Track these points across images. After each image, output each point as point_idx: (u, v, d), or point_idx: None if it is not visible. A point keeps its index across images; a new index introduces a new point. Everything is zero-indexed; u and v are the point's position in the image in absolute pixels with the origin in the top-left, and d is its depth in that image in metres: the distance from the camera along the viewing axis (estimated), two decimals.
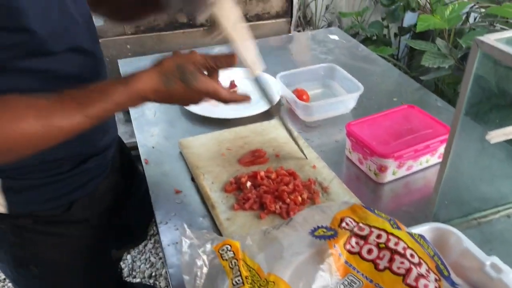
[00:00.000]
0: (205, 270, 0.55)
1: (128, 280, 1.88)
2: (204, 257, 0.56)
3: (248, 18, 1.84)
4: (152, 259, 1.97)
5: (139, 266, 1.94)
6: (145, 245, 2.03)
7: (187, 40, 1.79)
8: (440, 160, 1.04)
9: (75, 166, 0.90)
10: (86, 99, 0.70)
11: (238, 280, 0.51)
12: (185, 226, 0.60)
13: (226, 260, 0.55)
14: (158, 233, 0.92)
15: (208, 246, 0.57)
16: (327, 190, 0.94)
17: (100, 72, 0.89)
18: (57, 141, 0.69)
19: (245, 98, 0.86)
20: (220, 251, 0.56)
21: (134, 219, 1.28)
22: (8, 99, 0.64)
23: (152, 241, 2.04)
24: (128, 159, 1.20)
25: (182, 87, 0.77)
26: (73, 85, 0.71)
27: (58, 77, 0.77)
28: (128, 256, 1.99)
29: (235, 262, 0.54)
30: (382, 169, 0.99)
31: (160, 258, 1.97)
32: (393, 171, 1.00)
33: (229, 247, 0.56)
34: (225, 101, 0.83)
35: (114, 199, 1.09)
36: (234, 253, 0.55)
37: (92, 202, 0.98)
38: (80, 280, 1.09)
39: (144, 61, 1.58)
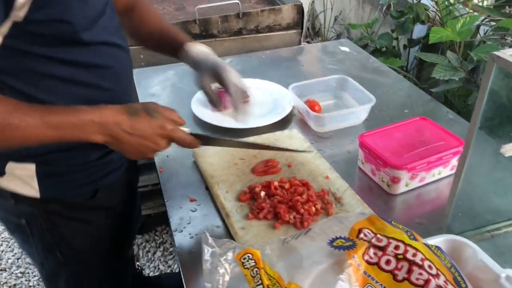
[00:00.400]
0: (227, 278, 0.56)
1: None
2: (226, 265, 0.57)
3: (259, 30, 1.86)
4: (161, 266, 1.97)
5: (148, 274, 1.95)
6: (154, 253, 2.04)
7: None
8: (453, 172, 1.06)
9: (101, 156, 0.96)
10: (55, 111, 0.76)
11: None
12: (207, 234, 0.62)
13: (248, 268, 0.56)
14: (172, 241, 0.93)
15: (230, 255, 0.58)
16: (341, 201, 0.95)
17: (128, 65, 0.97)
18: (13, 141, 0.73)
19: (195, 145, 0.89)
20: (242, 260, 0.57)
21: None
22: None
23: (162, 249, 2.05)
24: None
25: (146, 118, 0.80)
26: (103, 76, 0.82)
27: (91, 67, 0.85)
28: (137, 264, 1.99)
29: (256, 271, 0.55)
30: (395, 180, 0.99)
31: (169, 266, 1.98)
32: (406, 183, 1.01)
33: (250, 255, 0.57)
34: (184, 141, 0.86)
35: (130, 190, 1.15)
36: (255, 262, 0.56)
37: (114, 191, 1.05)
38: (102, 270, 1.14)
39: (157, 71, 1.61)
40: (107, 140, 0.79)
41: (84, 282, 1.12)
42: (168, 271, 1.96)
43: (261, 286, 0.53)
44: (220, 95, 1.16)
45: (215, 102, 1.09)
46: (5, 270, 1.97)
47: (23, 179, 0.91)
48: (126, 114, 0.79)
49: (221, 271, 0.56)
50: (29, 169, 0.89)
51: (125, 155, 0.84)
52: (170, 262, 1.99)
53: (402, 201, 1.02)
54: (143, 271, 1.94)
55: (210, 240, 0.60)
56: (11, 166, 0.89)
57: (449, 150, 1.02)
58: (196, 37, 1.81)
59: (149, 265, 1.99)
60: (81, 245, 1.05)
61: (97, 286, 1.17)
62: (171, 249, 2.04)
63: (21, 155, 0.88)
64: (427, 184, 1.05)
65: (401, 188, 1.01)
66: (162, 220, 2.07)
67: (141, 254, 2.02)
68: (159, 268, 1.97)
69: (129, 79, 1.01)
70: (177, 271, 1.94)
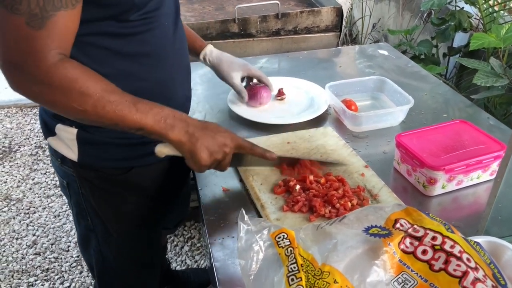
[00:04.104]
0: (261, 255, 0.57)
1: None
2: (261, 243, 0.57)
3: (297, 31, 1.87)
4: (188, 261, 2.00)
5: (175, 267, 1.97)
6: (182, 247, 2.06)
7: (237, 50, 1.84)
8: (492, 177, 1.03)
9: (141, 136, 0.97)
10: (144, 100, 0.82)
11: (294, 267, 0.53)
12: (243, 211, 0.62)
13: (282, 247, 0.56)
14: (204, 228, 0.95)
15: (265, 233, 0.59)
16: (377, 198, 0.94)
17: (182, 51, 1.03)
18: (107, 118, 0.79)
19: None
20: (277, 239, 0.57)
21: (178, 194, 1.33)
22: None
23: (189, 244, 2.07)
24: None
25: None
26: (153, 53, 0.87)
27: (136, 41, 0.89)
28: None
29: (291, 250, 0.55)
30: (431, 181, 0.98)
31: (196, 261, 2.00)
32: (442, 185, 0.99)
33: (285, 235, 0.58)
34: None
35: (172, 178, 1.16)
36: (290, 242, 0.57)
37: (150, 174, 1.07)
38: (128, 249, 1.17)
39: (194, 68, 1.64)
40: (182, 139, 0.84)
41: (110, 255, 1.16)
42: (195, 266, 1.98)
43: (295, 265, 0.53)
44: (256, 91, 1.25)
45: (243, 94, 1.28)
46: (39, 254, 2.04)
47: (66, 142, 0.97)
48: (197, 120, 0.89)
49: (256, 248, 0.57)
50: (72, 132, 0.95)
51: (195, 159, 0.87)
52: (197, 258, 2.01)
53: (437, 203, 1.00)
54: (170, 265, 1.96)
55: (246, 218, 0.61)
56: (59, 128, 0.96)
57: (490, 154, 0.99)
58: (234, 36, 1.83)
59: (176, 259, 2.01)
60: (109, 218, 1.08)
61: (122, 263, 1.20)
62: (198, 245, 2.06)
63: (67, 118, 0.93)
64: (465, 188, 1.02)
65: (437, 190, 0.99)
66: (191, 215, 2.09)
67: (169, 248, 2.05)
68: (186, 263, 2.00)
69: (176, 64, 1.02)
70: (203, 266, 1.96)
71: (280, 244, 0.56)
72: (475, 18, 2.07)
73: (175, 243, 2.08)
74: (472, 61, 1.54)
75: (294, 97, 1.38)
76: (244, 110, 1.29)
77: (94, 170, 1.01)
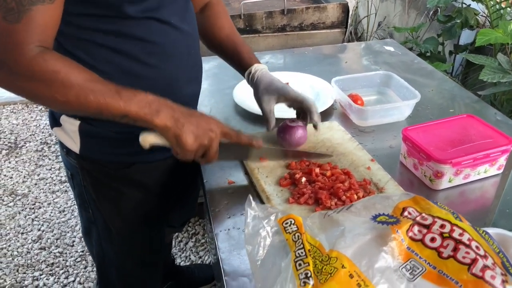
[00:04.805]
0: (268, 241, 0.57)
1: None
2: (268, 228, 0.57)
3: (303, 27, 1.87)
4: (192, 257, 2.00)
5: (179, 263, 1.98)
6: (186, 243, 2.06)
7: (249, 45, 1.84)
8: (500, 171, 1.02)
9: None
10: (127, 88, 0.81)
11: (301, 253, 0.52)
12: (251, 197, 0.62)
13: (290, 233, 0.56)
14: (209, 220, 0.95)
15: (272, 219, 0.58)
16: (383, 191, 0.93)
17: (182, 48, 0.97)
18: (90, 106, 0.78)
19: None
20: (284, 224, 0.57)
21: (185, 194, 1.33)
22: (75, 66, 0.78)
23: (194, 240, 2.07)
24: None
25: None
26: (147, 50, 0.85)
27: (134, 39, 0.88)
28: None
29: (298, 236, 0.55)
30: (438, 175, 0.97)
31: (200, 257, 2.00)
32: (449, 178, 0.98)
33: (292, 221, 0.57)
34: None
35: (176, 176, 1.15)
36: (297, 227, 0.56)
37: (152, 170, 1.07)
38: (128, 244, 1.16)
39: (206, 62, 1.65)
40: (167, 123, 0.82)
41: (111, 249, 1.16)
42: (199, 262, 1.98)
43: (302, 250, 0.53)
44: (291, 130, 1.06)
45: (270, 124, 1.06)
46: (44, 249, 2.05)
47: (69, 133, 0.98)
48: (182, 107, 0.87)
49: (263, 233, 0.57)
50: (74, 124, 0.96)
51: (181, 144, 0.85)
52: (201, 253, 2.01)
53: (444, 197, 0.99)
54: (174, 260, 1.96)
55: (253, 204, 0.61)
56: (63, 119, 0.97)
57: (498, 148, 0.99)
58: (240, 32, 1.83)
59: (180, 255, 2.01)
60: (108, 212, 1.08)
61: (123, 258, 1.19)
62: (203, 241, 2.07)
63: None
64: (472, 182, 1.02)
65: (444, 183, 0.99)
66: (196, 212, 2.09)
67: (173, 244, 2.05)
68: (190, 259, 2.00)
69: (182, 62, 1.00)
70: (208, 262, 1.96)
71: (288, 229, 0.56)
72: (481, 15, 2.06)
73: (179, 239, 2.09)
74: (480, 57, 1.54)
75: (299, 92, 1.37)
76: (249, 105, 1.29)
77: (95, 163, 1.01)
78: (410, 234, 0.56)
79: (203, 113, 0.91)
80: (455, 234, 0.55)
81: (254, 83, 1.09)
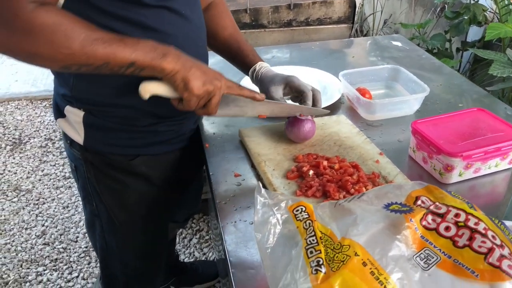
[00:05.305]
0: (278, 228, 0.55)
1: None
2: (278, 215, 0.56)
3: (309, 22, 1.86)
4: (196, 253, 1.99)
5: (183, 259, 1.96)
6: (190, 239, 2.05)
7: (249, 41, 1.81)
8: (511, 166, 1.00)
9: (147, 124, 0.98)
10: (130, 37, 0.79)
11: (313, 240, 0.51)
12: (260, 184, 0.61)
13: (300, 220, 0.54)
14: (216, 212, 0.93)
15: (282, 206, 0.57)
16: None
17: (193, 37, 0.96)
18: (96, 57, 0.74)
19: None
20: (295, 212, 0.56)
21: (189, 188, 1.31)
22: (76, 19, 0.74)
23: (198, 236, 2.06)
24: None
25: None
26: (159, 41, 0.81)
27: (147, 28, 0.86)
28: None
29: (309, 223, 0.54)
30: (448, 168, 0.95)
31: (204, 254, 1.98)
32: (459, 172, 0.96)
33: (303, 208, 0.56)
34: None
35: (180, 169, 1.14)
36: (308, 215, 0.55)
37: (157, 163, 1.06)
38: (131, 238, 1.15)
39: (210, 57, 1.63)
40: (175, 66, 0.80)
41: (114, 243, 1.14)
42: (203, 259, 1.97)
43: (314, 237, 0.51)
44: (300, 124, 1.05)
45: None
46: (48, 244, 2.04)
47: (73, 124, 0.97)
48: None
49: (273, 221, 0.55)
50: (79, 115, 0.95)
51: (188, 87, 0.83)
52: (205, 250, 2.00)
53: (454, 191, 0.96)
54: (178, 256, 1.95)
55: (263, 191, 0.60)
56: (67, 109, 0.96)
57: (509, 141, 0.97)
58: (246, 26, 1.82)
59: (184, 251, 2.00)
60: (112, 205, 1.07)
61: (125, 252, 1.18)
62: (207, 237, 2.05)
63: (75, 100, 0.94)
64: (482, 176, 1.00)
65: (454, 177, 0.97)
66: (200, 208, 2.08)
67: (177, 240, 2.04)
68: (194, 255, 1.99)
69: (191, 54, 0.96)
70: (212, 259, 1.95)
71: (298, 217, 0.55)
72: (490, 11, 2.04)
73: (183, 235, 2.08)
74: (488, 52, 1.52)
75: None
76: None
77: (99, 154, 1.00)
78: (424, 223, 0.54)
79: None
80: (471, 223, 0.53)
81: (258, 79, 1.10)
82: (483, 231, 0.52)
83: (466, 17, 2.01)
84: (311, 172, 0.94)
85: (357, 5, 1.94)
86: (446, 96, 1.34)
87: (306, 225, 0.53)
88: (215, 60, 1.57)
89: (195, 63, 0.84)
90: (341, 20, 1.86)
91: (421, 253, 0.51)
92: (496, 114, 1.13)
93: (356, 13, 1.94)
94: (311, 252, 0.50)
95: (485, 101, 1.31)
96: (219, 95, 0.88)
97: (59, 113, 1.00)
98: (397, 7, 3.17)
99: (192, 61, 0.84)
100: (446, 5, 2.36)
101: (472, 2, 2.05)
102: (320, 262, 0.48)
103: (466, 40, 2.21)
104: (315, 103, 1.07)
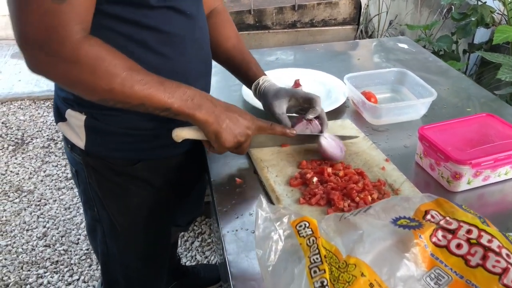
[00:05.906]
0: (280, 245, 0.53)
1: None
2: (280, 231, 0.53)
3: (313, 24, 1.83)
4: (198, 257, 1.96)
5: (185, 263, 1.94)
6: (192, 242, 2.03)
7: (252, 42, 1.80)
8: None
9: (149, 128, 0.96)
10: (170, 80, 0.81)
11: (317, 259, 0.49)
12: (262, 198, 0.58)
13: (304, 237, 0.52)
14: (217, 220, 0.91)
15: (285, 221, 0.55)
16: (398, 193, 0.89)
17: (198, 37, 0.96)
18: (134, 97, 0.76)
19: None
20: (298, 227, 0.53)
21: (192, 193, 1.30)
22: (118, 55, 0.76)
23: (200, 239, 2.04)
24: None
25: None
26: (165, 41, 0.84)
27: (153, 29, 0.85)
28: None
29: (313, 240, 0.51)
30: (456, 176, 0.93)
31: (206, 257, 1.96)
32: (468, 180, 0.94)
33: (307, 223, 0.54)
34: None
35: (182, 175, 1.13)
36: (312, 231, 0.52)
37: (158, 168, 1.04)
38: (133, 242, 1.14)
39: None
40: (208, 119, 0.84)
41: (116, 248, 1.13)
42: (205, 262, 1.94)
43: (318, 256, 0.49)
44: (302, 121, 1.04)
45: (284, 123, 1.03)
46: (49, 246, 2.03)
47: (75, 128, 0.95)
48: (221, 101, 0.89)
49: (275, 237, 0.53)
50: (80, 119, 0.93)
51: (220, 141, 0.87)
52: (207, 253, 1.98)
53: (462, 200, 0.95)
54: (180, 260, 1.94)
55: (265, 204, 0.57)
56: (69, 113, 0.94)
57: None
58: (249, 28, 1.80)
59: (186, 255, 1.98)
60: (114, 210, 1.05)
61: (127, 257, 1.17)
62: (209, 240, 2.03)
63: (77, 103, 0.92)
64: (491, 184, 0.97)
65: (462, 185, 0.94)
66: (202, 211, 2.06)
67: (179, 243, 2.02)
68: (196, 259, 1.97)
69: (195, 55, 0.97)
70: (214, 262, 1.93)
71: (302, 233, 0.52)
72: (497, 13, 2.00)
73: (185, 238, 2.05)
74: (496, 55, 1.48)
75: (310, 89, 1.33)
76: (258, 102, 1.25)
77: (100, 159, 0.98)
78: (434, 239, 0.52)
79: (239, 108, 0.92)
80: (483, 241, 0.50)
81: (261, 94, 1.07)
82: (497, 250, 0.49)
83: (473, 19, 1.98)
84: (315, 179, 0.92)
85: (362, 6, 1.91)
86: (453, 100, 1.31)
87: (309, 242, 0.51)
88: (215, 62, 1.55)
89: (228, 114, 0.87)
90: (346, 21, 1.84)
91: (431, 273, 0.49)
92: (504, 118, 1.10)
93: (361, 14, 1.91)
94: (315, 272, 0.47)
95: (493, 106, 1.28)
96: (249, 141, 0.92)
97: (60, 117, 0.98)
98: (402, 8, 3.13)
99: (226, 112, 0.87)
100: (453, 6, 2.32)
101: (479, 3, 2.02)
102: (325, 283, 0.46)
103: (473, 42, 2.18)
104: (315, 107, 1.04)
